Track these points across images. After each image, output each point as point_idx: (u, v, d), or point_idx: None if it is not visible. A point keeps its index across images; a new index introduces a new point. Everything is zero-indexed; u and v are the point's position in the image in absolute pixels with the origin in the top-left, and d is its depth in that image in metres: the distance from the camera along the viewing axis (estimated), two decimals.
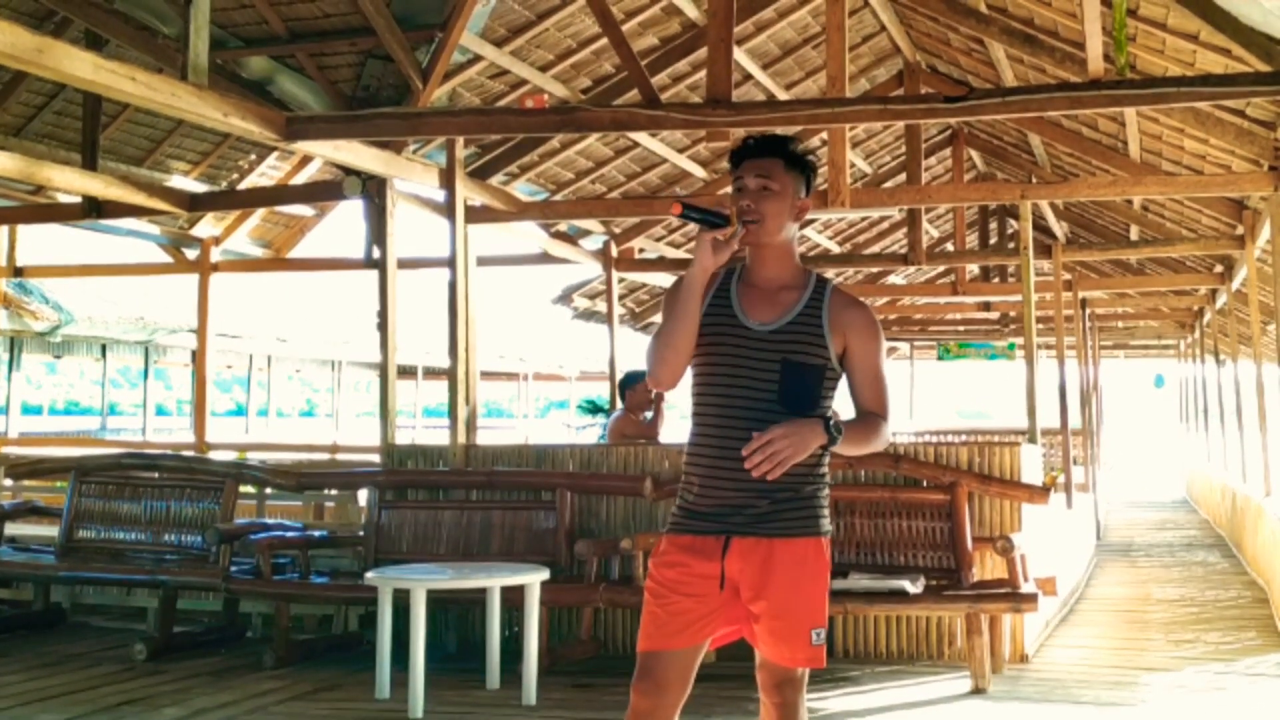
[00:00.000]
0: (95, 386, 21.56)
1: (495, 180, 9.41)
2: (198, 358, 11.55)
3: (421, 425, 24.01)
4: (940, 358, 24.14)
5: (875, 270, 16.07)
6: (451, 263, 7.76)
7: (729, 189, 3.21)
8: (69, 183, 8.40)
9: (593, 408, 20.43)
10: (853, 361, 3.09)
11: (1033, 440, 7.88)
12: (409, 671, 5.47)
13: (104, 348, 17.63)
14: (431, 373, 22.19)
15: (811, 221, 13.70)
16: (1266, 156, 7.64)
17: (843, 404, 3.21)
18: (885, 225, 15.06)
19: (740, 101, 6.99)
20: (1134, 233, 12.82)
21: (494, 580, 5.91)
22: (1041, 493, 6.61)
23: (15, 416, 16.11)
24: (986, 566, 6.49)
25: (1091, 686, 6.04)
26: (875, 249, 15.28)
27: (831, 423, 2.96)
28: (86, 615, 7.83)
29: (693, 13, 8.61)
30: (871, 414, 3.09)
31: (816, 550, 3.07)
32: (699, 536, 3.07)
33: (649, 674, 3.02)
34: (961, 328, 22.13)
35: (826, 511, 3.12)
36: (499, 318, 22.81)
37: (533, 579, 5.87)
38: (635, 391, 8.17)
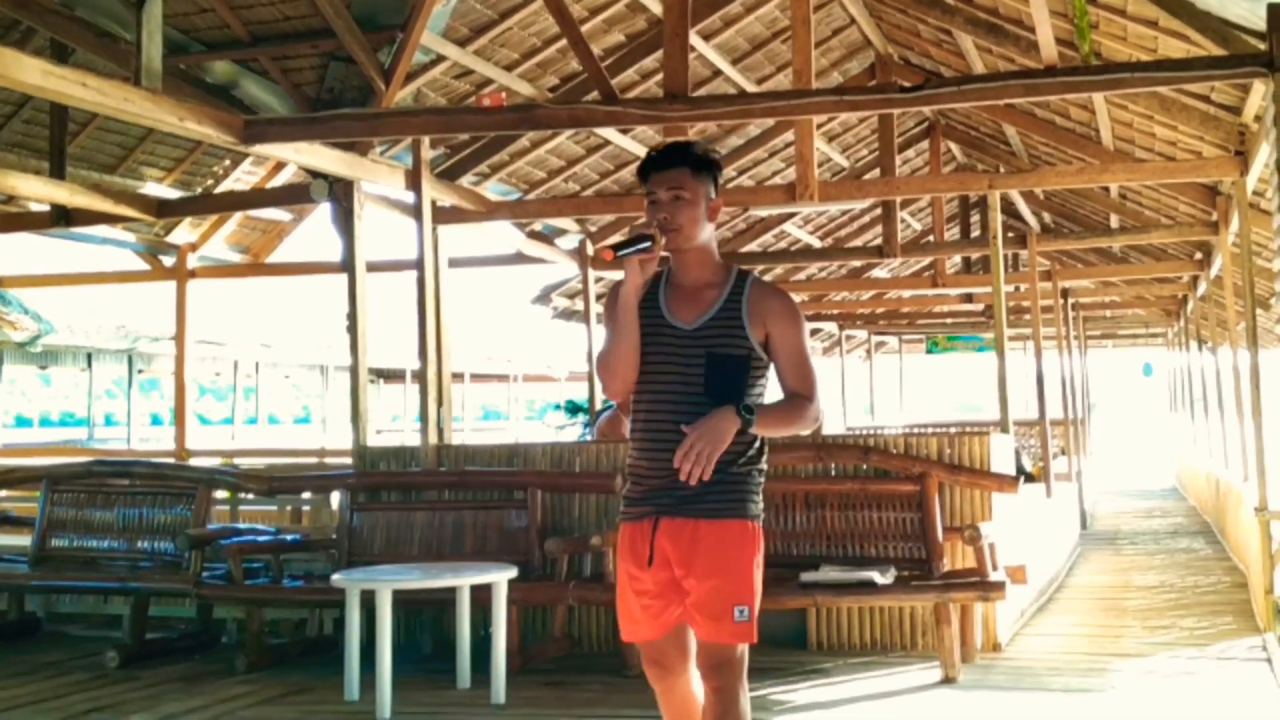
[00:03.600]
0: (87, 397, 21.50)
1: (466, 180, 9.39)
2: (177, 364, 11.52)
3: (411, 430, 23.91)
4: (929, 351, 24.16)
5: (858, 264, 16.07)
6: (419, 264, 7.75)
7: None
8: (33, 191, 8.38)
9: (573, 408, 20.37)
10: (775, 346, 3.20)
11: (1005, 430, 7.87)
12: (376, 672, 5.47)
13: (89, 357, 17.57)
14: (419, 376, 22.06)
15: (791, 216, 13.73)
16: (1233, 142, 7.63)
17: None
18: (866, 219, 15.07)
19: (698, 96, 6.98)
20: (1114, 221, 12.83)
21: (461, 580, 5.91)
22: (1011, 482, 6.60)
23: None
24: (958, 557, 6.48)
25: (1062, 674, 6.04)
26: (857, 243, 15.30)
27: (742, 406, 3.06)
28: (62, 624, 7.80)
29: (658, 9, 8.58)
30: (795, 394, 3.19)
31: (742, 531, 3.16)
32: (636, 522, 3.21)
33: (647, 657, 3.28)
34: (949, 320, 22.12)
35: (758, 497, 3.21)
36: (486, 319, 22.73)
37: (500, 578, 5.86)
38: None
